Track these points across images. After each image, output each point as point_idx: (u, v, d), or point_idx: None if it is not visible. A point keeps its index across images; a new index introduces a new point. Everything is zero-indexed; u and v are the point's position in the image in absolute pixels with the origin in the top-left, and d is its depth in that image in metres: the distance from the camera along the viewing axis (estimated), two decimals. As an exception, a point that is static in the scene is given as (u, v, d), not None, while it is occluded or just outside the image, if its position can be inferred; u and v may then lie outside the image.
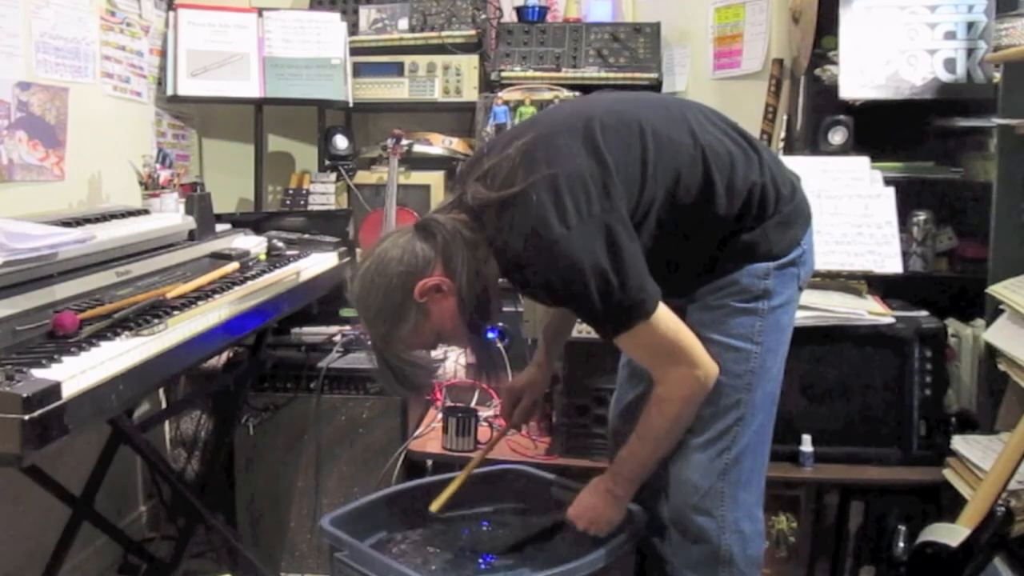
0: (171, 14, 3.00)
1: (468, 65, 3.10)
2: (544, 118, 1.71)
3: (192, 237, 2.28)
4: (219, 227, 2.48)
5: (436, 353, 2.37)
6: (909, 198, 2.55)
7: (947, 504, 2.13)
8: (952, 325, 2.44)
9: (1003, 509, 1.56)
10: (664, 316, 1.53)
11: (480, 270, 1.54)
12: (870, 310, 2.25)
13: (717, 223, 1.60)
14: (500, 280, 1.59)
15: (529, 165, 1.51)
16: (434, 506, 1.86)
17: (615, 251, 1.48)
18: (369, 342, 1.62)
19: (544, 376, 1.99)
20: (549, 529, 1.86)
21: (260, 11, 3.13)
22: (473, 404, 2.65)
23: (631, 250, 1.50)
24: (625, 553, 1.75)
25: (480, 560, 1.82)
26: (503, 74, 3.02)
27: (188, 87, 2.97)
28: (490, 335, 2.70)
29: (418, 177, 3.09)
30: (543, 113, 1.75)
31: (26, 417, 1.18)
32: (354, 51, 3.17)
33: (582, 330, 2.23)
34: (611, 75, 3.00)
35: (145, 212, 2.33)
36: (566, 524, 1.78)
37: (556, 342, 2.04)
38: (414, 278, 1.52)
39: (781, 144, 2.97)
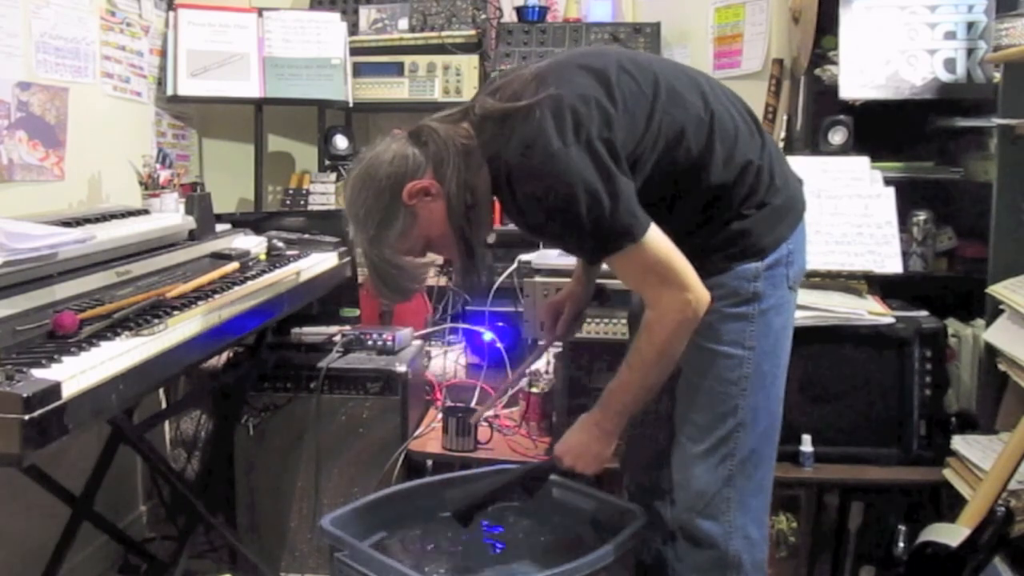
0: (171, 14, 3.00)
1: (468, 65, 3.10)
2: (565, 52, 1.74)
3: (192, 237, 2.28)
4: (219, 227, 2.48)
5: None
6: (909, 198, 2.55)
7: (947, 504, 2.13)
8: (952, 325, 2.44)
9: (1003, 509, 1.56)
10: (656, 239, 1.50)
11: (470, 179, 1.54)
12: (870, 310, 2.25)
13: (707, 189, 1.58)
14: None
15: (539, 84, 1.52)
16: (473, 419, 1.98)
17: (608, 174, 1.47)
18: (359, 246, 1.62)
19: (584, 289, 1.94)
20: (533, 476, 1.82)
21: (260, 11, 3.13)
22: (473, 404, 2.65)
23: (624, 180, 1.49)
24: (625, 552, 1.75)
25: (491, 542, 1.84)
26: (503, 74, 3.01)
27: (188, 87, 2.97)
28: (488, 336, 2.74)
29: (418, 177, 3.09)
30: (566, 50, 1.75)
31: (26, 417, 1.19)
32: (354, 51, 3.17)
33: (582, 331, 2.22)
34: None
35: (145, 212, 2.33)
36: (548, 468, 1.76)
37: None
38: (403, 180, 1.53)
39: (781, 144, 2.97)
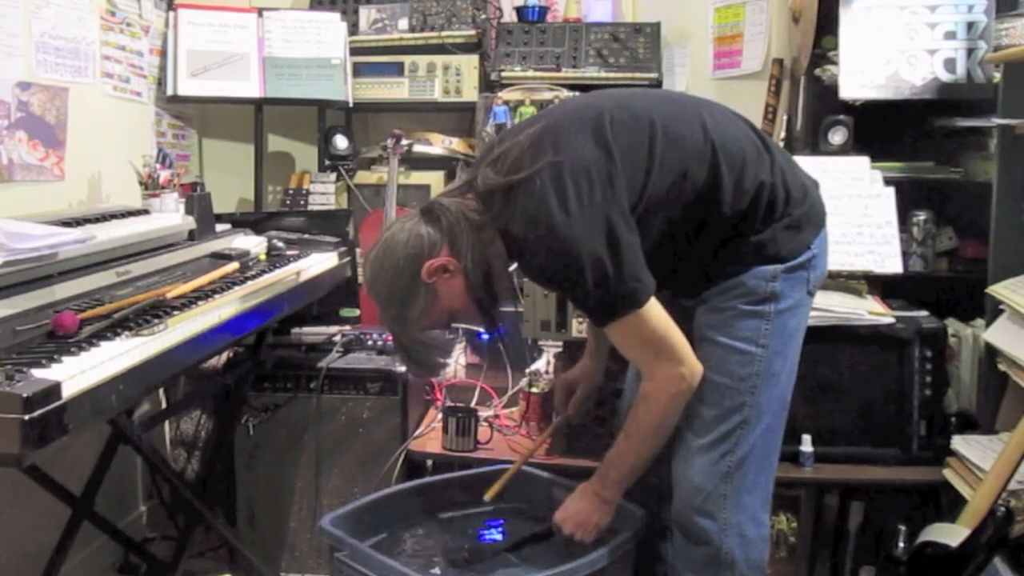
0: (171, 14, 3.00)
1: (468, 65, 3.10)
2: (557, 109, 1.75)
3: (192, 237, 2.28)
4: (219, 227, 2.47)
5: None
6: (909, 198, 2.55)
7: (947, 504, 2.13)
8: (952, 325, 2.44)
9: (1003, 509, 1.56)
10: (655, 310, 1.55)
11: (485, 251, 1.58)
12: (870, 310, 2.25)
13: (723, 220, 1.60)
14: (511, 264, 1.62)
15: (537, 152, 1.54)
16: (488, 495, 1.93)
17: (613, 240, 1.50)
18: (385, 326, 1.66)
19: (597, 367, 1.99)
20: (538, 536, 1.85)
21: (260, 11, 3.13)
22: (473, 404, 2.65)
23: (629, 241, 1.52)
24: (625, 553, 1.75)
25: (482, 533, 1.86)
26: (503, 74, 3.02)
27: (188, 87, 2.97)
28: (496, 333, 2.73)
29: (418, 177, 3.09)
30: (556, 105, 1.79)
31: (26, 417, 1.18)
32: (354, 51, 3.17)
33: (582, 331, 2.23)
34: (611, 75, 3.00)
35: (145, 212, 2.33)
36: (552, 532, 1.78)
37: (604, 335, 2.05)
38: (421, 259, 1.57)
39: (781, 144, 2.97)
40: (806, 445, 2.23)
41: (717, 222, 1.61)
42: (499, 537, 1.93)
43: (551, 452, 2.37)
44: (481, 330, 2.61)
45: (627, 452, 1.67)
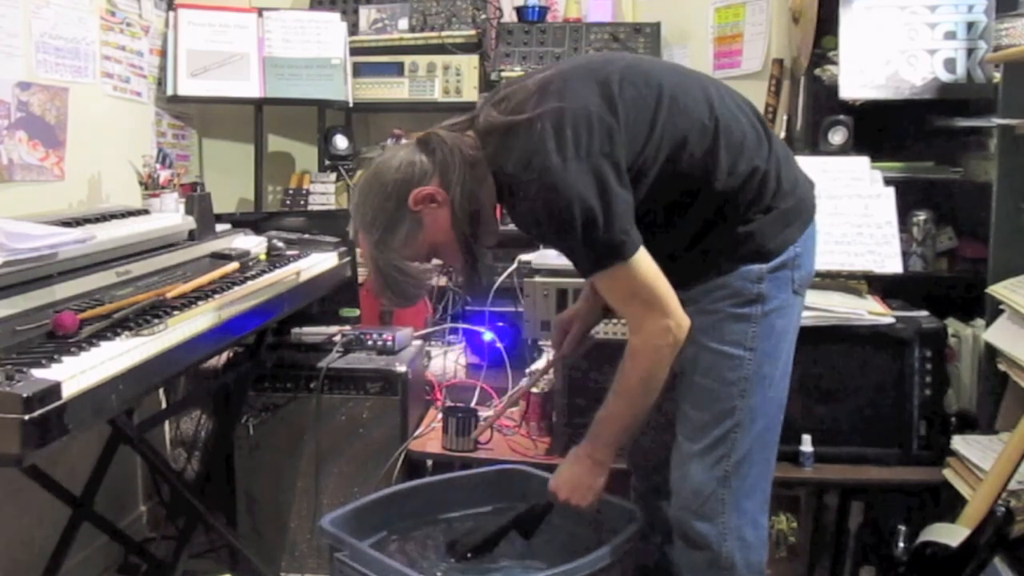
0: (171, 14, 3.00)
1: (468, 65, 3.10)
2: (569, 61, 1.73)
3: (192, 237, 2.28)
4: (219, 227, 2.48)
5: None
6: (909, 198, 2.55)
7: (947, 504, 2.13)
8: (952, 325, 2.44)
9: (1003, 509, 1.56)
10: (643, 261, 1.53)
11: (476, 189, 1.57)
12: (870, 310, 2.25)
13: (711, 197, 1.59)
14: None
15: (542, 96, 1.54)
16: (476, 433, 1.96)
17: (605, 191, 1.49)
18: (364, 250, 1.63)
19: (593, 306, 1.95)
20: (532, 513, 1.83)
21: (260, 11, 3.13)
22: (473, 404, 2.65)
23: (621, 195, 1.51)
24: (626, 552, 1.75)
25: None
26: (503, 74, 3.02)
27: (188, 87, 2.97)
28: (488, 336, 2.74)
29: (418, 177, 3.09)
30: (570, 58, 1.77)
31: (26, 417, 1.18)
32: (354, 51, 3.17)
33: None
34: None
35: (145, 212, 2.33)
36: (545, 505, 1.77)
37: None
38: (409, 186, 1.56)
39: (781, 144, 2.97)
40: (806, 445, 2.23)
41: (705, 198, 1.59)
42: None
43: (551, 452, 2.37)
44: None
45: (617, 410, 1.63)
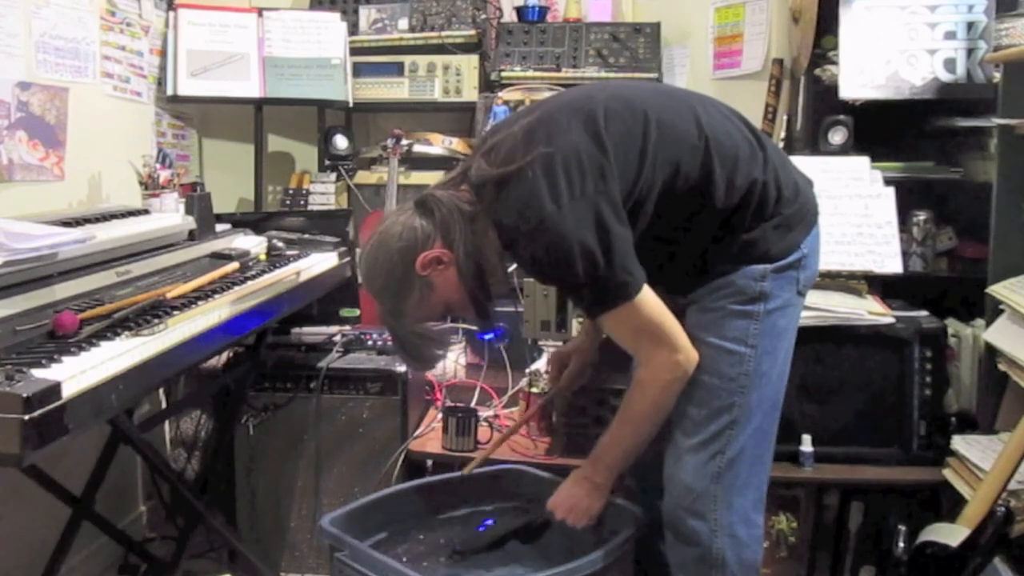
0: (171, 14, 3.00)
1: (468, 65, 3.10)
2: (551, 100, 1.74)
3: (192, 237, 2.28)
4: (219, 227, 2.47)
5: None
6: (909, 198, 2.55)
7: (947, 504, 2.13)
8: (952, 325, 2.44)
9: (1003, 509, 1.56)
10: (648, 299, 1.55)
11: (479, 242, 1.58)
12: (870, 310, 2.25)
13: (713, 216, 1.60)
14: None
15: (529, 143, 1.54)
16: (467, 469, 1.95)
17: (603, 231, 1.50)
18: (381, 320, 1.66)
19: (591, 342, 1.98)
20: (532, 526, 1.85)
21: (260, 11, 3.13)
22: (473, 404, 2.65)
23: (620, 233, 1.51)
24: (625, 553, 1.75)
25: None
26: (503, 74, 3.02)
27: (188, 87, 2.97)
28: (488, 336, 2.73)
29: (418, 177, 3.09)
30: (551, 96, 1.78)
31: (26, 417, 1.19)
32: (354, 51, 3.17)
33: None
34: (611, 75, 3.00)
35: (145, 212, 2.33)
36: (545, 519, 1.78)
37: None
38: (414, 252, 1.58)
39: (781, 144, 2.97)
40: (806, 445, 2.22)
41: (707, 217, 1.60)
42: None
43: (551, 452, 2.37)
44: (478, 329, 2.61)
45: (620, 438, 1.67)
